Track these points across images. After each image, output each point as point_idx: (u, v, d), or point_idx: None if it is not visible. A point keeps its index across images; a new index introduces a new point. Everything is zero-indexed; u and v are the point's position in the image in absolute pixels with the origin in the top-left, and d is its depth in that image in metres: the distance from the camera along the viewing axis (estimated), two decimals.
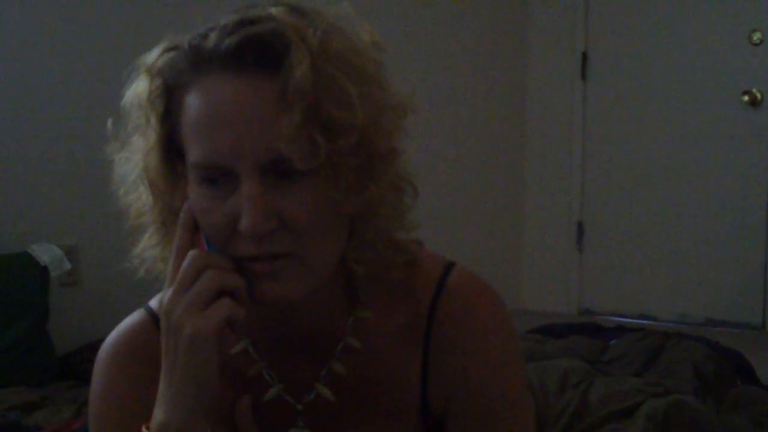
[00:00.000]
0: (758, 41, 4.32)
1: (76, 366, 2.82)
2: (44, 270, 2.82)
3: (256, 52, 0.84)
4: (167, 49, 0.90)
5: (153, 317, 1.01)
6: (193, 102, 0.86)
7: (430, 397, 1.00)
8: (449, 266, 1.02)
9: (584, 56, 4.80)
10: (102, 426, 0.98)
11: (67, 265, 2.90)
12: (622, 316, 4.55)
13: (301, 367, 0.99)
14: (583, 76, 4.80)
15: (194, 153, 0.86)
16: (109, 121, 0.95)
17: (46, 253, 2.84)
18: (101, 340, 1.03)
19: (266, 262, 0.87)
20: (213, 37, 0.86)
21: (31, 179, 3.04)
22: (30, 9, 3.04)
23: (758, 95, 4.32)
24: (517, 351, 1.02)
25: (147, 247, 0.97)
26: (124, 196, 0.96)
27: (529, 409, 1.03)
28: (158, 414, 0.87)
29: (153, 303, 1.03)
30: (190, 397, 0.86)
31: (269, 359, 0.99)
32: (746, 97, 4.34)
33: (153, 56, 0.91)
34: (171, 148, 0.91)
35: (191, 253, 0.88)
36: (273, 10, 0.87)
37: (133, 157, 0.94)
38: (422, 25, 4.40)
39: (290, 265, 0.87)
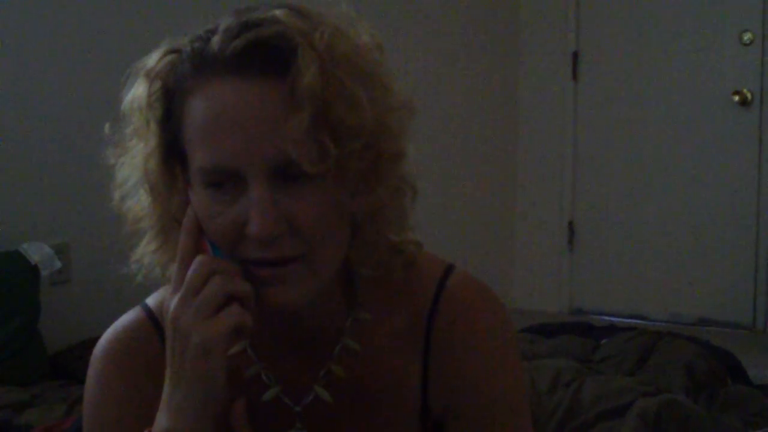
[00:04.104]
0: (748, 41, 4.33)
1: (67, 365, 2.81)
2: (35, 269, 2.80)
3: (262, 56, 0.84)
4: (167, 53, 0.90)
5: (150, 316, 1.00)
6: (197, 106, 0.86)
7: (430, 399, 1.00)
8: (449, 268, 1.02)
9: (575, 56, 4.80)
10: (97, 425, 0.98)
11: (58, 264, 2.89)
12: (613, 315, 4.55)
13: (299, 368, 0.98)
14: (574, 76, 4.81)
15: (200, 157, 0.86)
16: (107, 126, 0.94)
17: (36, 251, 2.83)
18: (92, 339, 1.03)
19: (273, 267, 0.86)
20: (216, 40, 0.85)
21: (22, 178, 3.02)
22: (28, 8, 3.02)
23: (748, 95, 4.33)
24: (516, 353, 1.02)
25: (145, 253, 0.96)
26: (121, 201, 0.95)
27: (528, 411, 1.03)
28: (163, 420, 0.87)
29: (150, 301, 1.02)
30: (197, 405, 0.85)
31: (267, 360, 0.98)
32: (736, 97, 4.35)
33: (153, 60, 0.90)
34: (171, 153, 0.90)
35: (198, 259, 0.87)
36: (276, 12, 0.86)
37: (133, 162, 0.93)
38: (413, 25, 4.39)
39: (297, 270, 0.87)
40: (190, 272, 0.87)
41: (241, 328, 0.86)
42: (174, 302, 0.87)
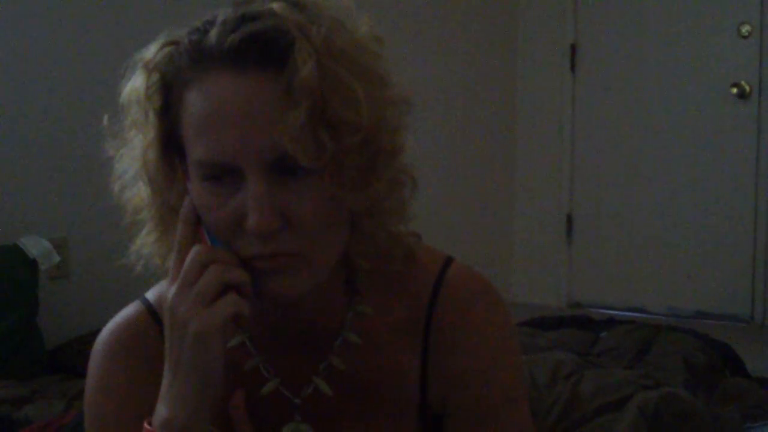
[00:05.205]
0: (747, 34, 4.33)
1: (66, 359, 2.81)
2: (33, 263, 2.80)
3: (260, 49, 0.84)
4: (165, 45, 0.90)
5: (149, 309, 1.01)
6: (195, 100, 0.86)
7: (429, 391, 1.00)
8: (448, 261, 1.03)
9: (573, 48, 4.80)
10: (98, 419, 0.98)
11: (57, 258, 2.88)
12: (611, 308, 4.55)
13: (299, 361, 0.98)
14: (572, 68, 4.80)
15: (198, 151, 0.86)
16: (106, 118, 0.94)
17: (35, 246, 2.82)
18: (91, 333, 1.03)
19: (271, 259, 0.86)
20: (214, 33, 0.85)
21: (20, 172, 3.02)
22: (24, 2, 3.01)
23: (747, 88, 4.33)
24: (515, 346, 1.03)
25: (144, 244, 0.96)
26: (120, 193, 0.96)
27: (527, 402, 1.03)
28: (162, 410, 0.87)
29: (149, 295, 1.02)
30: (196, 394, 0.86)
31: (267, 353, 0.98)
32: (735, 90, 4.35)
33: (151, 52, 0.90)
34: (169, 144, 0.90)
35: (195, 248, 0.87)
36: (274, 6, 0.86)
37: (132, 153, 0.93)
38: (410, 18, 4.39)
39: (295, 262, 0.87)
40: (187, 262, 0.87)
41: (239, 316, 0.86)
42: (172, 291, 0.87)
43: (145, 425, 0.87)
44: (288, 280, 0.87)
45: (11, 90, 2.99)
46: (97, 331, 1.02)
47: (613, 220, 4.76)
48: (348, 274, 0.99)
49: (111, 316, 1.03)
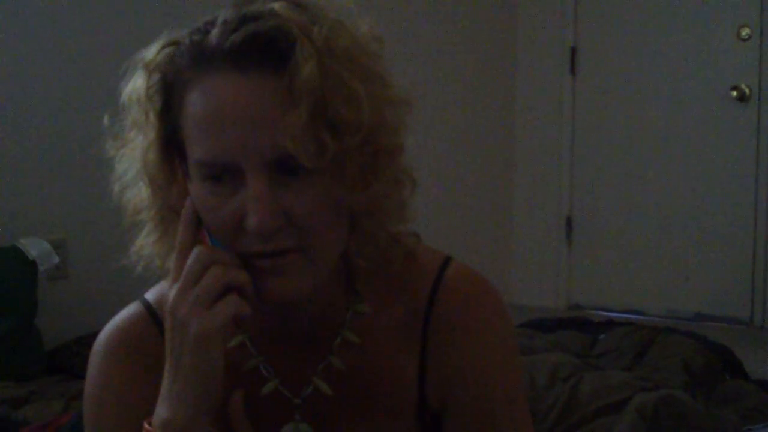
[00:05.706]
0: (747, 37, 4.33)
1: (65, 360, 2.81)
2: (33, 264, 2.80)
3: (261, 49, 0.84)
4: (166, 45, 0.90)
5: (149, 310, 1.01)
6: (195, 100, 0.86)
7: (428, 391, 1.00)
8: (447, 261, 1.03)
9: (573, 51, 4.80)
10: (98, 420, 0.98)
11: (56, 259, 2.88)
12: (610, 310, 4.55)
13: (298, 361, 0.99)
14: (572, 71, 4.80)
15: (199, 151, 0.86)
16: (106, 118, 0.94)
17: (34, 247, 2.83)
18: (90, 335, 1.03)
19: (272, 258, 0.87)
20: (215, 33, 0.85)
21: (19, 173, 3.02)
22: (25, 1, 3.01)
23: (746, 90, 4.33)
24: (514, 346, 1.03)
25: (145, 245, 0.96)
26: (120, 193, 0.96)
27: (525, 402, 1.03)
28: (162, 411, 0.87)
29: (149, 296, 1.02)
30: (195, 395, 0.86)
31: (266, 353, 0.99)
32: (734, 93, 4.35)
33: (152, 52, 0.90)
34: (170, 145, 0.91)
35: (196, 249, 0.87)
36: (275, 6, 0.86)
37: (132, 154, 0.93)
38: (410, 19, 4.39)
39: (296, 261, 0.87)
40: (188, 263, 0.87)
41: (240, 318, 0.86)
42: (173, 293, 0.87)
43: (145, 425, 0.87)
44: (290, 280, 0.88)
45: (11, 90, 2.99)
46: (97, 332, 1.02)
47: (613, 223, 4.76)
48: (347, 273, 0.99)
49: (110, 317, 1.03)
